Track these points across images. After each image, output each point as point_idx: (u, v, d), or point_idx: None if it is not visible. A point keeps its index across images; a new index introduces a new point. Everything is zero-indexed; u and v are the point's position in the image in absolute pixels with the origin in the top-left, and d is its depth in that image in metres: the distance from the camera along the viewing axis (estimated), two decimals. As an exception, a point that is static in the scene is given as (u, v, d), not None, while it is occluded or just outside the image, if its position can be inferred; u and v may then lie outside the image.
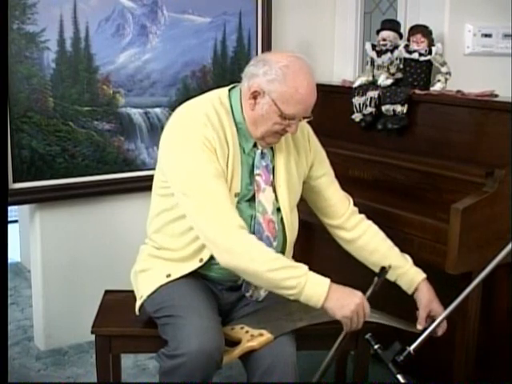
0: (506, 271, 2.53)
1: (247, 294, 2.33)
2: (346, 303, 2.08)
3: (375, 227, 2.45)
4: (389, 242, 2.42)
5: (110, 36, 3.21)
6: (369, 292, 2.17)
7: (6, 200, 2.59)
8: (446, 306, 2.24)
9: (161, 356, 2.11)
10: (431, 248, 2.39)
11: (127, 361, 3.09)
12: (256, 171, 2.28)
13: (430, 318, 2.30)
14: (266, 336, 2.14)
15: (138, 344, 2.38)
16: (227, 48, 3.48)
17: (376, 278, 2.19)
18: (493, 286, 2.62)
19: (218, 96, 2.29)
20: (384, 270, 2.22)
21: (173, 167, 2.21)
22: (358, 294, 2.12)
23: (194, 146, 2.16)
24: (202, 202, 2.13)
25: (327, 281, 2.10)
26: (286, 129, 2.21)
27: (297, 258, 2.50)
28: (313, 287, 2.08)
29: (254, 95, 2.19)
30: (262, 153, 2.29)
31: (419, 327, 2.29)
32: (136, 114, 3.32)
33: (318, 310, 2.25)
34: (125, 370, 2.78)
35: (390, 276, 2.36)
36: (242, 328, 2.19)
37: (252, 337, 2.14)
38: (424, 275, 2.36)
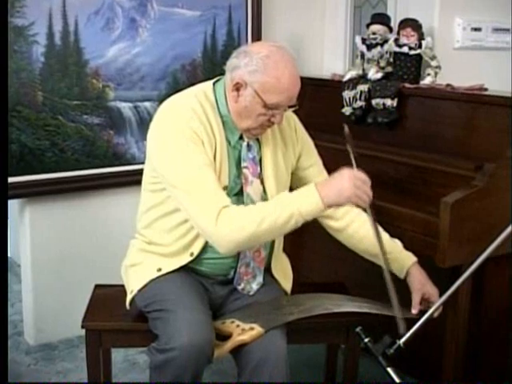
0: (496, 265, 2.54)
1: (239, 287, 2.32)
2: (340, 187, 2.09)
3: (364, 215, 2.45)
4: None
5: (100, 30, 3.19)
6: (353, 162, 2.16)
7: (6, 195, 2.54)
8: (436, 300, 2.25)
9: (151, 350, 2.11)
10: (421, 242, 2.39)
11: (117, 355, 3.09)
12: (243, 164, 2.28)
13: (425, 301, 2.31)
14: (257, 330, 2.14)
15: (129, 338, 2.38)
16: (217, 42, 3.47)
17: (348, 145, 2.18)
18: (483, 279, 2.62)
19: (202, 90, 2.29)
20: (346, 133, 2.19)
21: (162, 161, 2.21)
22: (343, 171, 2.12)
23: (181, 138, 2.16)
24: (191, 194, 2.13)
25: (312, 186, 2.12)
26: (270, 119, 2.21)
27: (287, 251, 2.51)
28: (306, 202, 2.09)
29: (237, 87, 2.19)
30: (248, 145, 2.29)
31: (414, 311, 2.29)
32: (125, 107, 3.30)
33: (309, 304, 2.26)
34: (115, 365, 2.78)
35: (381, 262, 2.38)
36: (232, 322, 2.19)
37: (243, 331, 2.14)
38: (415, 259, 2.37)
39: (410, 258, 2.37)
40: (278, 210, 2.08)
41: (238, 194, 2.28)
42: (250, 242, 2.13)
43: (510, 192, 2.48)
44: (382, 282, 2.34)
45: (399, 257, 2.37)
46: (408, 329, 2.20)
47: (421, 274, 2.34)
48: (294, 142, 2.41)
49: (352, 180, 2.09)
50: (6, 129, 2.83)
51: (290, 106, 2.23)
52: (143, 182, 2.36)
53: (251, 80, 2.16)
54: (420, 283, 2.32)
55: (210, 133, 2.20)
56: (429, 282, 2.33)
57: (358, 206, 2.18)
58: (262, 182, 2.32)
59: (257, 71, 2.14)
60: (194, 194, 2.12)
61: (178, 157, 2.15)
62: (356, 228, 2.42)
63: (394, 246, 2.39)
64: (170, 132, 2.19)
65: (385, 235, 2.40)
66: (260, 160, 2.32)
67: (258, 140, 2.33)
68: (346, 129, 2.20)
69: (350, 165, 2.14)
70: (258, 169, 2.31)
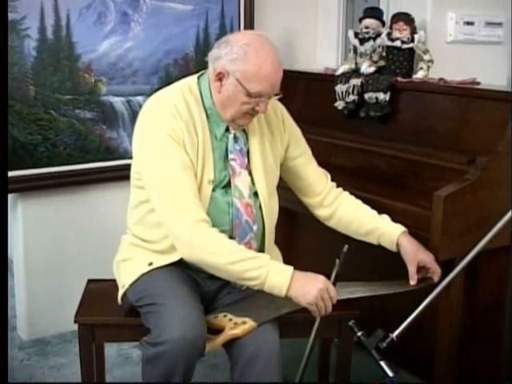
0: (489, 258, 2.54)
1: (232, 281, 2.31)
2: (308, 289, 2.09)
3: (351, 198, 2.48)
4: (364, 209, 2.45)
5: (92, 24, 3.18)
6: (332, 275, 2.17)
7: (6, 190, 2.53)
8: (428, 294, 2.25)
9: (143, 344, 2.11)
10: (413, 235, 2.39)
11: (111, 350, 3.09)
12: (230, 156, 2.28)
13: (423, 269, 2.31)
14: (250, 324, 2.14)
15: (121, 333, 2.37)
16: (210, 36, 3.46)
17: (337, 260, 2.18)
18: (476, 273, 2.63)
19: (187, 84, 2.29)
20: (342, 252, 2.21)
21: (142, 159, 2.23)
22: (321, 278, 2.12)
23: (161, 138, 2.16)
24: (165, 195, 2.15)
25: (290, 269, 2.11)
26: (254, 108, 2.20)
27: (280, 246, 2.51)
28: (275, 277, 2.08)
29: (219, 77, 2.20)
30: (235, 137, 2.29)
31: (412, 283, 2.30)
32: (118, 102, 3.30)
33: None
34: (108, 359, 2.77)
35: (372, 240, 2.41)
36: (225, 316, 2.19)
37: (235, 325, 2.14)
38: (403, 229, 2.37)
39: (397, 229, 2.37)
40: (251, 266, 2.09)
41: (225, 187, 2.28)
42: (209, 268, 2.16)
43: (509, 183, 2.48)
44: (375, 275, 2.35)
45: (386, 231, 2.38)
46: (401, 322, 2.21)
47: (411, 244, 2.34)
48: (282, 133, 2.41)
49: (321, 291, 2.09)
50: (5, 126, 2.81)
51: (275, 95, 2.23)
52: (131, 178, 2.36)
53: (233, 69, 2.16)
54: (412, 253, 2.32)
55: (193, 130, 2.20)
56: (421, 248, 2.33)
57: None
58: (251, 174, 2.32)
59: (238, 59, 2.15)
60: (168, 196, 2.14)
61: (156, 156, 2.17)
62: (343, 212, 2.45)
63: (381, 221, 2.41)
64: (151, 130, 2.20)
65: (371, 214, 2.43)
66: (248, 152, 2.32)
67: (244, 131, 2.33)
68: (345, 248, 2.19)
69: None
70: (246, 160, 2.31)
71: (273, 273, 2.09)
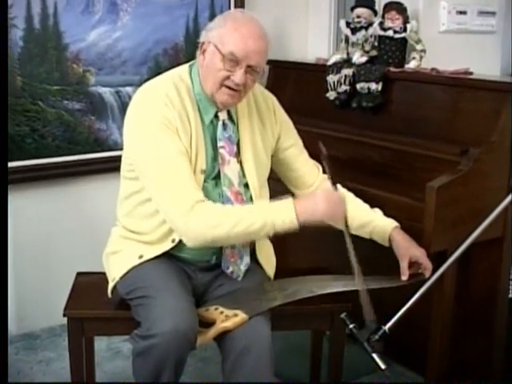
0: (482, 249, 2.54)
1: (228, 271, 2.29)
2: (315, 207, 2.14)
3: (342, 190, 2.45)
4: (357, 202, 2.43)
5: (80, 13, 3.13)
6: (329, 182, 2.25)
7: (6, 182, 2.48)
8: (421, 285, 2.23)
9: (134, 337, 2.10)
10: (406, 226, 2.38)
11: (101, 344, 3.06)
12: (219, 143, 2.26)
13: (415, 265, 2.30)
14: (241, 316, 2.12)
15: (111, 326, 2.36)
16: (199, 25, 3.41)
17: (323, 163, 2.26)
18: (468, 264, 2.62)
19: (178, 73, 2.28)
20: (322, 152, 2.25)
21: (135, 149, 2.20)
22: (318, 192, 2.20)
23: (154, 126, 2.14)
24: (161, 184, 2.13)
25: (290, 201, 2.14)
26: (230, 77, 2.16)
27: (271, 238, 2.48)
28: (280, 216, 2.11)
29: (203, 50, 2.20)
30: (223, 124, 2.27)
31: (404, 278, 2.29)
32: (107, 92, 3.26)
33: (293, 288, 2.25)
34: (98, 353, 2.75)
35: (364, 234, 2.39)
36: (216, 309, 2.17)
37: (226, 317, 2.13)
38: (395, 224, 2.37)
39: (389, 225, 2.36)
40: (254, 217, 2.11)
41: (216, 178, 2.26)
42: (218, 242, 2.16)
43: (508, 172, 2.48)
44: (367, 268, 2.33)
45: (379, 225, 2.37)
46: (393, 314, 2.20)
47: (403, 239, 2.33)
48: (273, 124, 2.40)
49: (326, 200, 2.13)
50: (5, 119, 2.78)
51: (251, 67, 2.16)
52: (121, 170, 2.34)
53: (211, 35, 2.18)
54: (404, 248, 2.31)
55: (185, 119, 2.19)
56: (413, 244, 2.32)
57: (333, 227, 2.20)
58: (241, 165, 2.30)
59: (217, 25, 2.19)
60: (167, 183, 2.12)
61: (151, 145, 2.14)
62: None
63: (373, 215, 2.40)
64: (143, 119, 2.17)
65: (363, 208, 2.42)
66: (238, 142, 2.30)
67: (233, 121, 2.30)
68: (324, 150, 2.24)
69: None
70: (235, 148, 2.29)
71: (276, 214, 2.11)
